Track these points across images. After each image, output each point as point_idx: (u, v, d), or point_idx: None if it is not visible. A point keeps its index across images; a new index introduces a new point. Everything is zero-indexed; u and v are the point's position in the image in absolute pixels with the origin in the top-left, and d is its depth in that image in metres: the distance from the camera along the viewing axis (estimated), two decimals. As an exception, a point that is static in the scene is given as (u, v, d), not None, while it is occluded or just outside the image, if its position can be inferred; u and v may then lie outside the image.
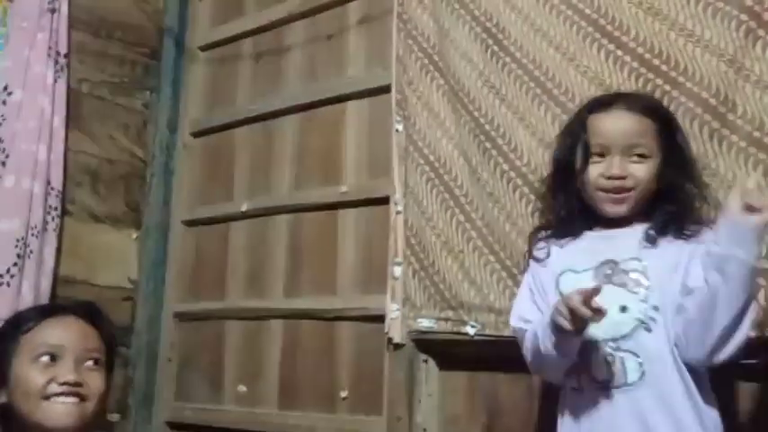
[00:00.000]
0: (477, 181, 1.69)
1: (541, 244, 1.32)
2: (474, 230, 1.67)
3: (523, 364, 1.29)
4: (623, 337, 1.16)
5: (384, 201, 1.89)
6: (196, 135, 2.47)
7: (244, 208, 2.25)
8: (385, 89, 1.95)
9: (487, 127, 1.69)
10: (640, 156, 1.22)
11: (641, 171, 1.22)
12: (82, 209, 2.23)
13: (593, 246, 1.26)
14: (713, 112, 1.37)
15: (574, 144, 1.27)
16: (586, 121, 1.27)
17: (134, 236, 2.36)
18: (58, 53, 2.14)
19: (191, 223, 2.41)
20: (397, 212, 1.84)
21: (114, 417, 2.23)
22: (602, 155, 1.23)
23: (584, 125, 1.27)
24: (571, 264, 1.26)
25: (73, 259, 2.18)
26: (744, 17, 1.36)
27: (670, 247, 1.20)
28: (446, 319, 1.69)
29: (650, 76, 1.45)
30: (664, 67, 1.44)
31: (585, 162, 1.25)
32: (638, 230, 1.23)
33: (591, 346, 1.18)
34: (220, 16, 2.51)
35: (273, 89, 2.29)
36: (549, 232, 1.33)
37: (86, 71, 2.28)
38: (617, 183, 1.22)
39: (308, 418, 1.98)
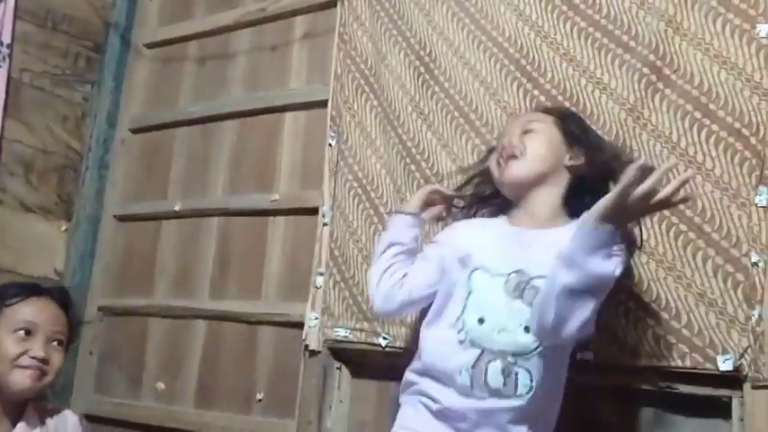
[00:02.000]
0: (401, 200, 1.77)
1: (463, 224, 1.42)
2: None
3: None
4: (522, 355, 1.22)
5: (313, 211, 1.95)
6: (135, 131, 2.49)
7: (176, 207, 2.28)
8: (322, 104, 2.01)
9: (413, 150, 1.78)
10: (528, 132, 1.33)
11: (534, 141, 1.31)
12: (13, 198, 2.24)
13: (508, 246, 1.28)
14: (612, 156, 1.48)
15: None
16: None
17: (63, 227, 2.37)
18: (1, 43, 2.16)
19: (122, 218, 2.43)
20: (324, 224, 1.90)
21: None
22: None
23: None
24: (486, 261, 1.28)
25: (-1, 247, 2.18)
26: (646, 70, 1.49)
27: None
28: (361, 330, 1.76)
29: (560, 116, 1.56)
30: (573, 109, 1.54)
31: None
32: (555, 238, 1.20)
33: (490, 356, 1.23)
34: (168, 16, 2.55)
35: (215, 93, 2.33)
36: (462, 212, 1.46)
37: (29, 61, 2.29)
38: (509, 149, 1.31)
39: (223, 418, 2.02)
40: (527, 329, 1.22)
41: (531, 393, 1.22)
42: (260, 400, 1.98)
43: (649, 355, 1.37)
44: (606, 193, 1.14)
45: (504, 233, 1.32)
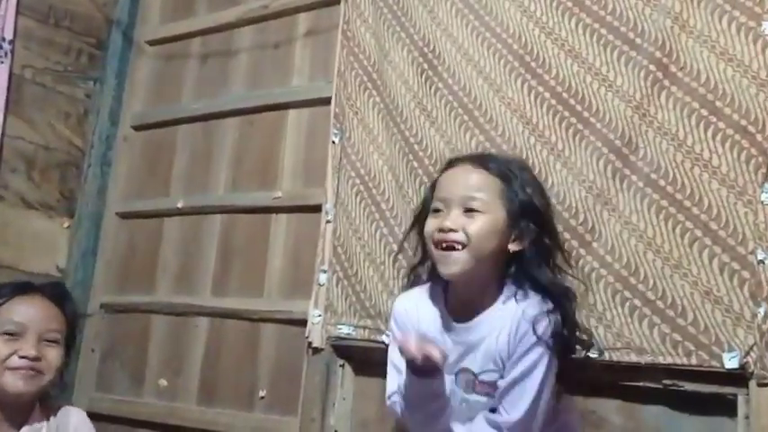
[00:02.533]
0: (403, 198, 1.77)
1: (403, 309, 1.32)
2: (396, 244, 1.75)
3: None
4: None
5: (316, 209, 1.95)
6: (137, 128, 2.49)
7: (179, 204, 2.28)
8: (325, 101, 2.01)
9: (416, 147, 1.77)
10: (470, 211, 1.21)
11: (477, 226, 1.19)
12: (14, 194, 2.24)
13: (456, 340, 1.25)
14: (617, 153, 1.48)
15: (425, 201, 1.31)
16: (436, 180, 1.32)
17: (66, 224, 2.36)
18: (3, 39, 2.15)
19: (125, 216, 2.43)
20: (327, 221, 1.90)
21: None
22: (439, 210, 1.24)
23: (434, 184, 1.31)
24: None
25: (0, 244, 2.17)
26: (652, 67, 1.48)
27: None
28: (364, 327, 1.76)
29: (566, 113, 1.56)
30: (578, 107, 1.54)
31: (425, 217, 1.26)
32: (488, 326, 1.21)
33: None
34: (171, 13, 2.54)
35: (218, 90, 2.33)
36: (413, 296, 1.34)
37: (31, 58, 2.29)
38: (449, 239, 1.20)
39: (225, 416, 2.02)
40: (492, 410, 1.22)
41: None
42: (262, 398, 1.97)
43: (655, 353, 1.37)
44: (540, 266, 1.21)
45: (445, 330, 1.27)
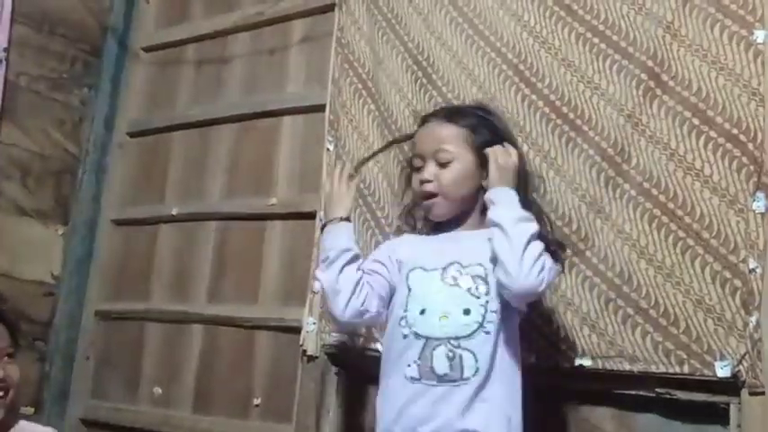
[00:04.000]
0: (398, 205, 1.77)
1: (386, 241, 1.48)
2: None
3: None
4: (465, 337, 1.25)
5: (310, 216, 1.95)
6: (132, 135, 2.49)
7: (174, 211, 2.28)
8: (320, 108, 2.01)
9: (410, 155, 1.77)
10: (442, 164, 1.35)
11: (450, 175, 1.34)
12: (9, 201, 2.23)
13: (441, 246, 1.36)
14: (610, 161, 1.49)
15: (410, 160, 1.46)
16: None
17: (60, 231, 2.36)
18: (-3, 46, 2.15)
19: (119, 222, 2.43)
20: (322, 228, 1.90)
21: (29, 410, 2.22)
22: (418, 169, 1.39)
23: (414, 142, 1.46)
24: (421, 261, 1.34)
25: (-5, 251, 2.17)
26: (644, 76, 1.49)
27: None
28: (358, 336, 1.76)
29: (558, 121, 1.56)
30: (571, 115, 1.55)
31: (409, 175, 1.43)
32: (482, 234, 1.31)
33: (434, 343, 1.26)
34: (166, 19, 2.55)
35: (213, 97, 2.33)
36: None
37: (26, 65, 2.28)
38: (425, 187, 1.36)
39: (220, 423, 2.02)
40: (467, 312, 1.27)
41: (477, 374, 1.24)
42: (257, 406, 1.97)
43: (647, 362, 1.37)
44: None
45: (435, 238, 1.40)
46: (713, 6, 1.45)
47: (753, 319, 1.30)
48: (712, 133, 1.40)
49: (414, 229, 1.49)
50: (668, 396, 1.38)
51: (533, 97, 1.61)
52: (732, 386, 1.31)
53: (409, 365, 1.27)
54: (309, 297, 1.86)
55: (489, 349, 1.25)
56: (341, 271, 1.36)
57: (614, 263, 1.44)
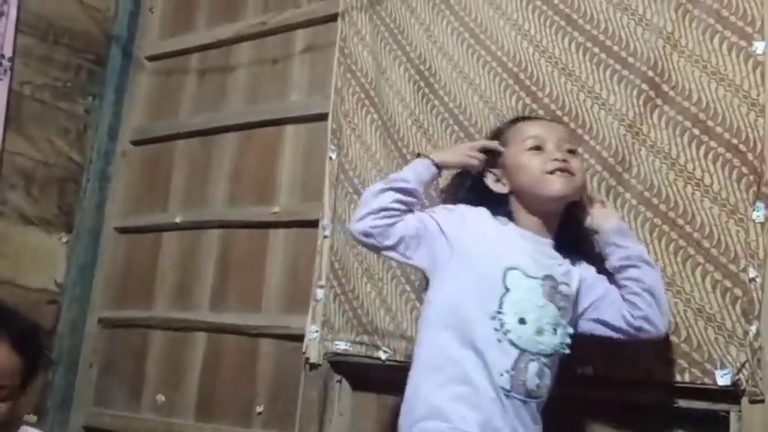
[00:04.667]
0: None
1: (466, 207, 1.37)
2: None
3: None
4: (550, 355, 1.26)
5: (313, 224, 1.96)
6: (136, 143, 2.51)
7: (177, 219, 2.29)
8: (323, 117, 2.02)
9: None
10: (572, 152, 1.35)
11: (578, 163, 1.35)
12: (13, 210, 2.24)
13: (534, 250, 1.30)
14: (611, 171, 1.49)
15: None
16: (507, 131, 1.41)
17: (64, 239, 2.37)
18: (2, 56, 2.17)
19: (123, 230, 2.44)
20: (325, 237, 1.91)
21: (32, 418, 2.23)
22: (538, 147, 1.33)
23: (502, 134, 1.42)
24: (519, 262, 1.28)
25: (-1, 259, 2.18)
26: (644, 86, 1.50)
27: (575, 272, 1.34)
28: (361, 343, 1.77)
29: (559, 131, 1.57)
30: (572, 124, 1.55)
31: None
32: (550, 245, 1.33)
33: (529, 357, 1.24)
34: (170, 29, 2.56)
35: (216, 106, 2.35)
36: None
37: (30, 74, 2.30)
38: (563, 164, 1.31)
39: (223, 431, 2.02)
40: (555, 331, 1.26)
41: (548, 391, 1.28)
42: (260, 413, 1.98)
43: (648, 370, 1.38)
44: None
45: (525, 237, 1.33)
46: (712, 17, 1.46)
47: (753, 327, 1.31)
48: (712, 143, 1.41)
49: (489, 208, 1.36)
50: (669, 404, 1.38)
51: (534, 106, 1.62)
52: (733, 394, 1.32)
53: (502, 375, 1.22)
54: (312, 305, 1.87)
55: (556, 369, 1.29)
56: (382, 192, 1.31)
57: (615, 271, 1.45)
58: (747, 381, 1.30)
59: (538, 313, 1.25)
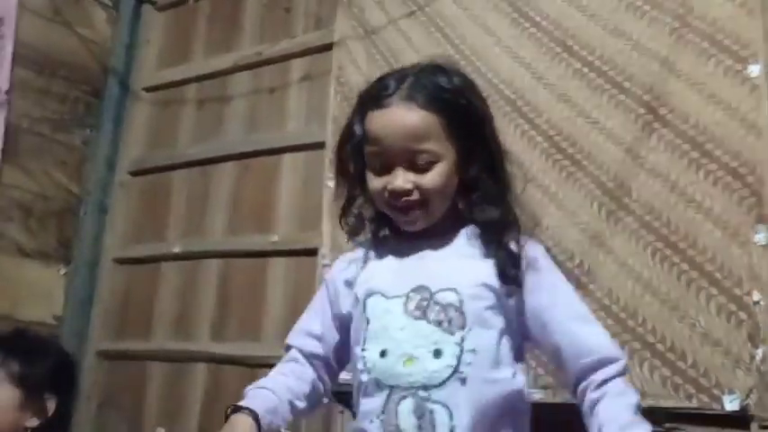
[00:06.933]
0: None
1: (346, 259, 1.18)
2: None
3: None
4: (435, 386, 1.00)
5: (312, 252, 1.95)
6: (134, 174, 2.50)
7: (176, 249, 2.28)
8: (320, 145, 2.03)
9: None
10: (420, 170, 1.04)
11: (430, 180, 1.04)
12: (11, 243, 2.23)
13: (402, 263, 1.09)
14: (611, 195, 1.50)
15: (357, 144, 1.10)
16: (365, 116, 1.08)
17: (62, 272, 2.36)
18: (-1, 89, 2.17)
19: (121, 261, 2.43)
20: (324, 265, 1.90)
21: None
22: (381, 165, 1.06)
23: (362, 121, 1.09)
24: (381, 284, 1.08)
25: (-4, 293, 2.17)
26: (642, 110, 1.51)
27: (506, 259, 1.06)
28: (363, 373, 1.75)
29: (558, 156, 1.58)
30: (570, 150, 1.56)
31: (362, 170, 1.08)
32: (456, 245, 1.07)
33: (399, 395, 1.01)
34: (166, 60, 2.58)
35: (214, 135, 2.35)
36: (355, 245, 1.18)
37: (28, 107, 2.30)
38: (403, 203, 1.04)
39: (224, 464, 1.99)
40: (437, 353, 1.00)
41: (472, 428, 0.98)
42: (262, 445, 1.95)
43: (656, 396, 1.37)
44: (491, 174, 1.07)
45: (397, 250, 1.10)
46: (707, 41, 1.47)
47: (759, 351, 1.30)
48: (712, 166, 1.41)
49: (357, 234, 1.17)
50: (678, 431, 1.37)
51: (532, 133, 1.63)
52: (741, 419, 1.31)
53: (372, 421, 1.02)
54: (313, 334, 1.86)
55: (468, 402, 0.99)
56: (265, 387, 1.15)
57: (619, 297, 1.44)
58: (756, 406, 1.29)
59: (401, 338, 1.02)
